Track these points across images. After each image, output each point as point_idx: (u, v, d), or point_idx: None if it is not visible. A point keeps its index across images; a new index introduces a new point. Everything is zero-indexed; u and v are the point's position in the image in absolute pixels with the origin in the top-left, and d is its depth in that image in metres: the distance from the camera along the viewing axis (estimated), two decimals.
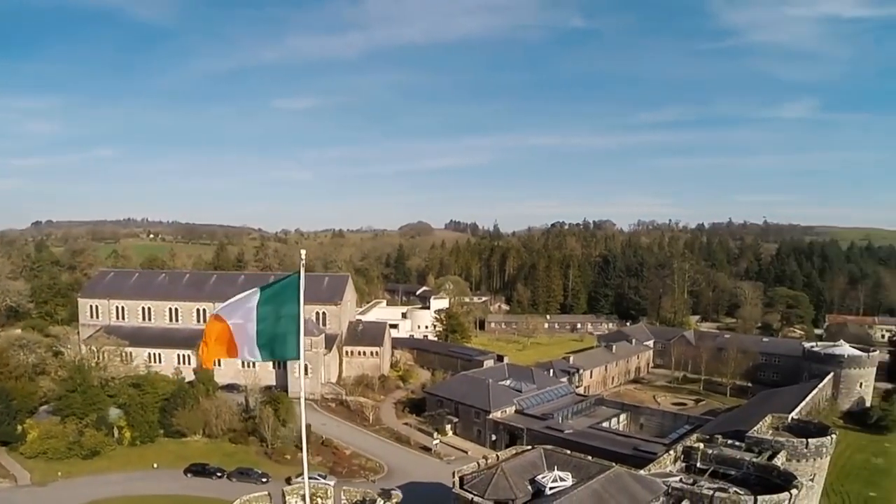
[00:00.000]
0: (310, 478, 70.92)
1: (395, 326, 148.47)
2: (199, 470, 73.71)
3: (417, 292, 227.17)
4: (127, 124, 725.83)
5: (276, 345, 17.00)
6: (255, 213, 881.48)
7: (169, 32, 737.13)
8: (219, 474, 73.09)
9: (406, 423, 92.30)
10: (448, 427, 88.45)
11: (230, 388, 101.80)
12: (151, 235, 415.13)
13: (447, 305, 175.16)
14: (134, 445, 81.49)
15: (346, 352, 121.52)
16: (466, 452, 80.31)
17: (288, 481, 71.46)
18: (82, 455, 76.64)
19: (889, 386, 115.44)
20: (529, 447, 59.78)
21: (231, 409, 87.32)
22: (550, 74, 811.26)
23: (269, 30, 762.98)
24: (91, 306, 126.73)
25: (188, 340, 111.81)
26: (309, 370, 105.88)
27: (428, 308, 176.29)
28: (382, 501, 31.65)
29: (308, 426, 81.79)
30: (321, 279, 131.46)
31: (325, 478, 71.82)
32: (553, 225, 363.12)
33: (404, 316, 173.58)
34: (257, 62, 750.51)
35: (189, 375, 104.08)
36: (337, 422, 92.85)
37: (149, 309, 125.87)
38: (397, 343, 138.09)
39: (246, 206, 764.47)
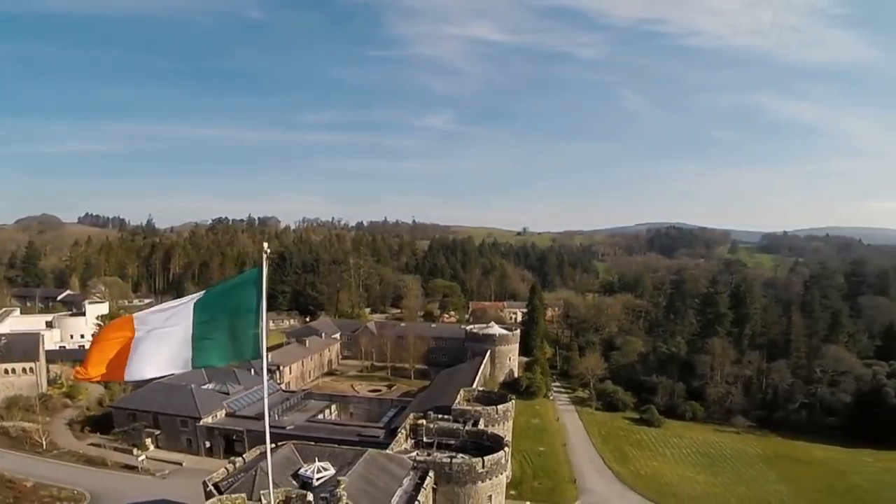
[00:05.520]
0: None
1: None
2: None
3: (59, 297, 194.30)
4: None
5: (230, 347, 15.65)
6: None
7: None
8: None
9: (94, 444, 79.53)
10: (148, 441, 79.44)
11: None
12: None
13: (108, 310, 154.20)
14: None
15: None
16: (181, 464, 73.63)
17: None
18: None
19: (527, 359, 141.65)
20: (273, 445, 58.43)
21: None
22: (216, 63, 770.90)
23: None
24: None
25: None
26: None
27: (83, 314, 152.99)
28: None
29: None
30: None
31: None
32: (219, 220, 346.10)
33: (50, 325, 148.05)
34: None
35: None
36: None
37: None
38: (52, 356, 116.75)
39: None
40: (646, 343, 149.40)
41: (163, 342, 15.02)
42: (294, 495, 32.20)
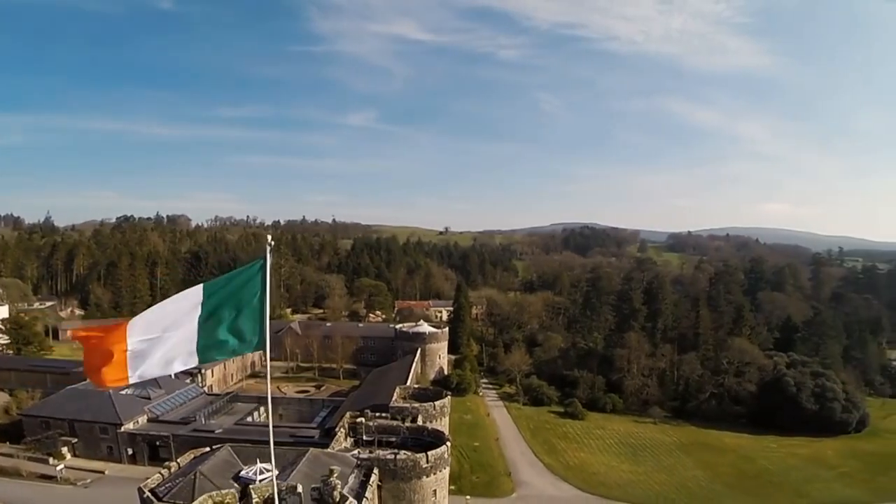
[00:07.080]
0: None
1: None
2: None
3: None
4: None
5: (234, 340, 15.61)
6: None
7: None
8: None
9: (4, 454, 73.93)
10: (64, 449, 74.79)
11: None
12: None
13: (7, 314, 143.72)
14: None
15: None
16: (104, 472, 69.80)
17: None
18: None
19: (455, 356, 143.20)
20: (208, 448, 56.56)
21: None
22: (124, 54, 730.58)
23: None
24: None
25: None
26: None
27: None
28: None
29: None
30: None
31: None
32: (125, 218, 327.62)
33: None
34: None
35: None
36: None
37: None
38: None
39: None
40: (566, 339, 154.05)
41: (167, 340, 14.76)
42: (284, 488, 31.52)
